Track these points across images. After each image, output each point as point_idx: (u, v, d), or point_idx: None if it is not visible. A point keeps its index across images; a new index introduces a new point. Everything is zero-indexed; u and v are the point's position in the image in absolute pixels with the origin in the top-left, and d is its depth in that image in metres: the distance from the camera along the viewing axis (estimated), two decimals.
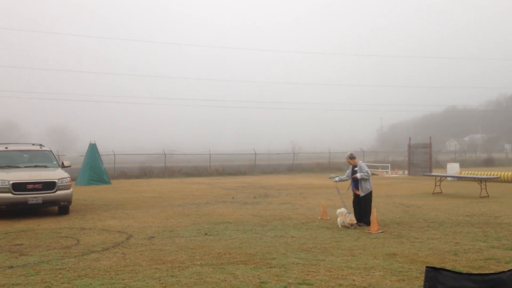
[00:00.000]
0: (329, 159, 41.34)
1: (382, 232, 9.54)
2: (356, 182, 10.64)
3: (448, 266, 6.56)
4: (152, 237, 9.33)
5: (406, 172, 33.20)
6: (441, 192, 17.81)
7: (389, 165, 35.60)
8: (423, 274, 3.61)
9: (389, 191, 19.47)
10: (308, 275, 6.31)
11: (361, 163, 10.70)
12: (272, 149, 52.68)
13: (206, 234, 9.59)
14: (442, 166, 32.59)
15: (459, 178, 24.18)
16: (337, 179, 11.30)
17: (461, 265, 6.77)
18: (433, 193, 17.74)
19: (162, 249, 8.13)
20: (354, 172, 10.71)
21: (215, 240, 8.88)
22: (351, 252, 7.70)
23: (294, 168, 38.52)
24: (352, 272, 6.41)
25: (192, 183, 26.51)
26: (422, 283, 5.69)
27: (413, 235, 9.21)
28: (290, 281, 6.02)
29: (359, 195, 10.57)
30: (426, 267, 3.84)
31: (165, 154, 35.44)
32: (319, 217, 11.62)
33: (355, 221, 10.16)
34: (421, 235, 9.20)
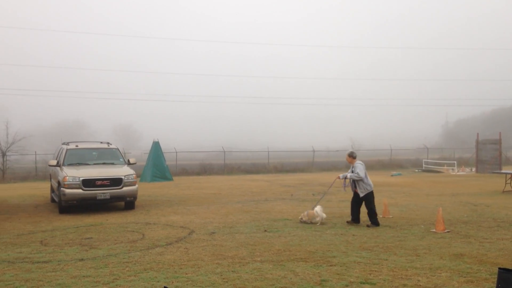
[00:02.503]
0: (391, 155, 40.27)
1: (448, 231, 9.18)
2: (354, 181, 10.55)
3: None
4: (213, 232, 9.51)
5: (473, 169, 31.77)
6: None
7: (455, 162, 34.22)
8: (493, 276, 3.45)
9: (455, 189, 18.68)
10: (370, 274, 6.18)
11: (356, 163, 10.46)
12: (330, 146, 52.02)
13: (265, 230, 9.65)
14: None
15: None
16: (341, 176, 11.08)
17: None
18: (504, 192, 16.84)
19: (223, 244, 8.28)
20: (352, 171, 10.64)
21: (274, 237, 8.91)
22: (415, 252, 7.46)
23: None
24: (417, 273, 6.21)
25: (250, 180, 26.74)
26: (492, 284, 5.43)
27: (482, 235, 8.79)
28: (352, 280, 5.93)
29: (359, 194, 10.45)
30: (499, 268, 3.67)
31: (224, 152, 35.99)
32: (381, 216, 11.35)
33: (305, 218, 10.51)
34: (491, 235, 8.76)
